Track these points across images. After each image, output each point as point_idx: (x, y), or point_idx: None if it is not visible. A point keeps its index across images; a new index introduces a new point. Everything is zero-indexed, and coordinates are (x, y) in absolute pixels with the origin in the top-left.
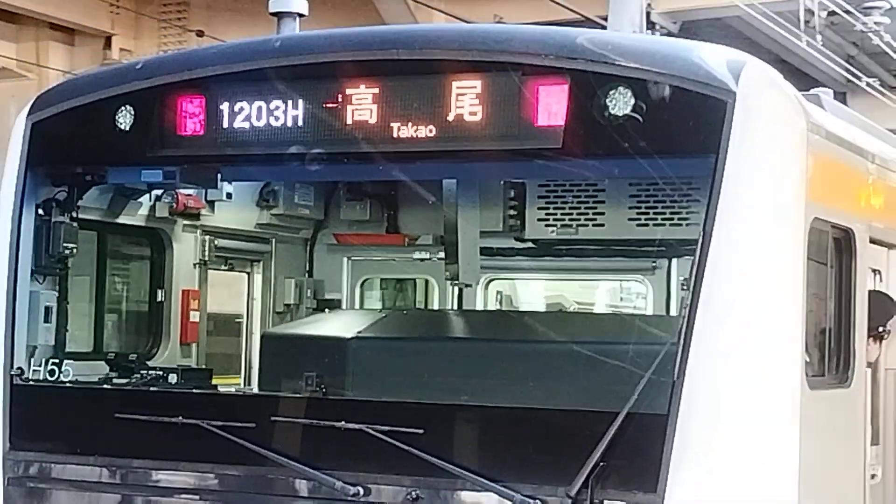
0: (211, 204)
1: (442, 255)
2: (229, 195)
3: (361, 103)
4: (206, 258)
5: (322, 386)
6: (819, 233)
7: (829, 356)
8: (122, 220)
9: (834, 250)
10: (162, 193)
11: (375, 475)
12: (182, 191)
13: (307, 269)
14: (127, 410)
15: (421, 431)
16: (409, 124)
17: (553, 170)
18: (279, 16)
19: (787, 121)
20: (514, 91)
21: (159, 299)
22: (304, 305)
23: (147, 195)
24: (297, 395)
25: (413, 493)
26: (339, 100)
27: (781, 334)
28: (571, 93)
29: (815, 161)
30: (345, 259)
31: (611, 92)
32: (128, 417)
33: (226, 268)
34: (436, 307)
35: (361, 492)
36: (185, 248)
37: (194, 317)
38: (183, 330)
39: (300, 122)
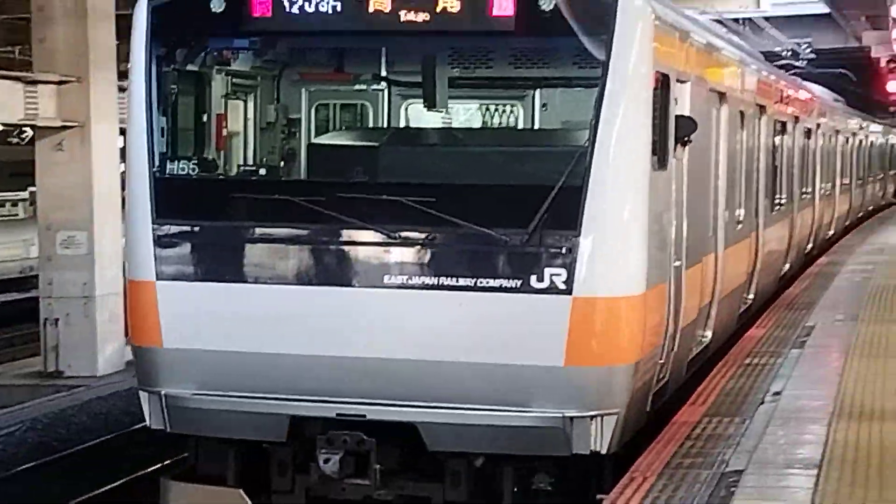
0: (233, 54)
1: (376, 86)
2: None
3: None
4: (228, 92)
5: (364, 174)
6: (654, 77)
7: (659, 153)
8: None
9: (661, 87)
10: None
11: (406, 226)
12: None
13: (276, 96)
14: (236, 189)
15: (433, 199)
16: (410, 12)
17: (502, 42)
18: None
19: (645, 15)
20: None
21: (204, 120)
22: (279, 122)
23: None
24: (351, 182)
25: (430, 236)
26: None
27: (643, 137)
28: None
29: (656, 36)
30: (303, 89)
31: None
32: (240, 195)
33: (234, 98)
34: (370, 125)
35: (399, 237)
36: (217, 85)
37: (224, 132)
38: (217, 140)
39: (329, 9)
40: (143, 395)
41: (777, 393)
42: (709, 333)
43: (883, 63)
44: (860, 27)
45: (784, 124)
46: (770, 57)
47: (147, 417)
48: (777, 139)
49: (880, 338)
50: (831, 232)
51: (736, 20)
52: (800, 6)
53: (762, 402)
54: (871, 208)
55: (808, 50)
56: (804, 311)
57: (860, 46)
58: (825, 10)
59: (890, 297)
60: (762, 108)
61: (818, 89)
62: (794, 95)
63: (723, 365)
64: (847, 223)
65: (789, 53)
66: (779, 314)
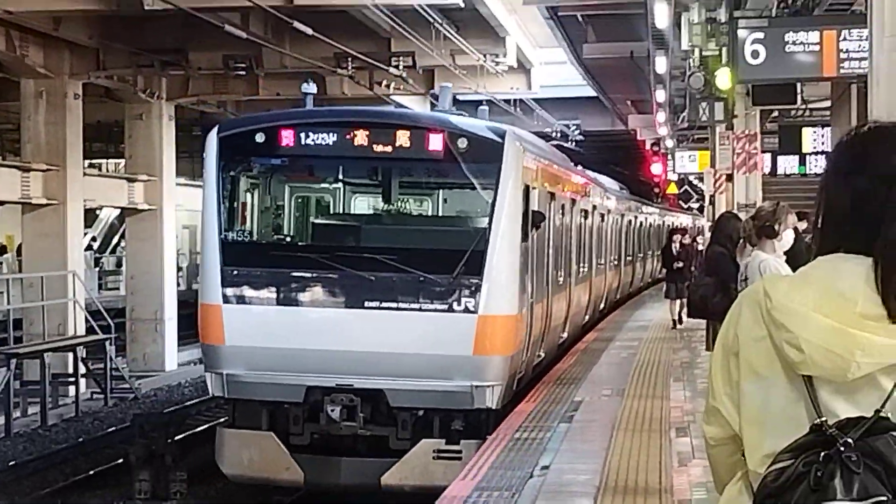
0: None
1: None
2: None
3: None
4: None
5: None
6: (523, 190)
7: (523, 233)
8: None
9: (525, 193)
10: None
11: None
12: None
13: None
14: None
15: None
16: (377, 146)
17: (433, 169)
18: (306, 95)
19: (514, 150)
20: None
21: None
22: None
23: None
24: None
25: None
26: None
27: (515, 224)
28: (445, 137)
29: (523, 163)
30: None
31: (460, 138)
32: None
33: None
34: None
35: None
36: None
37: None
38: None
39: (327, 143)
40: (209, 375)
41: (545, 467)
42: (542, 353)
43: (647, 146)
44: (626, 111)
45: (579, 209)
46: (542, 136)
47: (211, 389)
48: (567, 221)
49: (644, 413)
50: (602, 306)
51: (508, 101)
52: (568, 88)
53: (531, 476)
54: (643, 284)
55: (577, 132)
56: (572, 385)
57: (627, 129)
58: (592, 93)
59: (653, 373)
60: (573, 201)
61: (605, 180)
62: (590, 188)
63: (493, 439)
64: (619, 297)
65: (559, 135)
66: (548, 389)
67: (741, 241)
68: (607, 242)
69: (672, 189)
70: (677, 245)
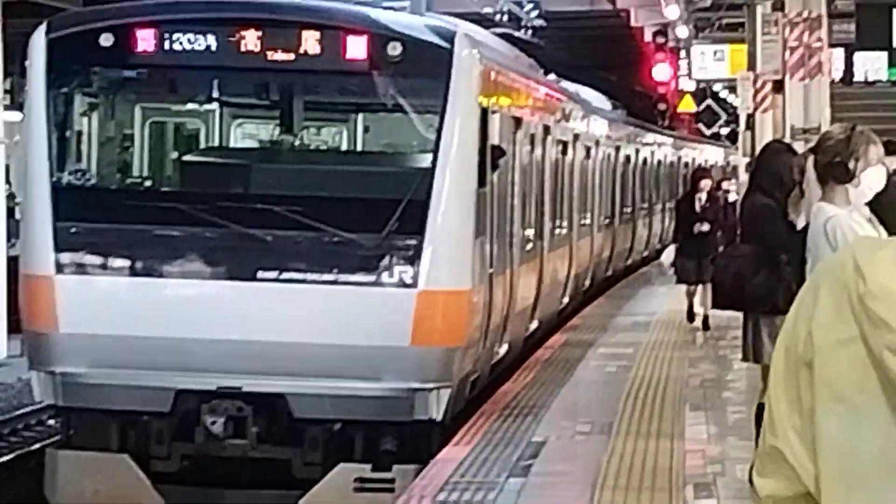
0: None
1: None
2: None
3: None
4: None
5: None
6: (479, 115)
7: (479, 176)
8: None
9: (480, 121)
10: None
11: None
12: None
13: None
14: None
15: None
16: (273, 53)
17: (354, 86)
18: None
19: (467, 60)
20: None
21: None
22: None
23: None
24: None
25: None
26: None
27: (469, 163)
28: (370, 41)
29: (480, 78)
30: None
31: (392, 43)
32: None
33: None
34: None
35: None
36: None
37: None
38: None
39: (202, 48)
40: (35, 374)
41: None
42: (504, 347)
43: (648, 37)
44: None
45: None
46: (480, 22)
47: (37, 393)
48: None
49: (643, 460)
50: (587, 283)
51: None
52: None
53: None
54: (647, 253)
55: (535, 13)
56: (529, 416)
57: (614, 10)
58: None
59: (657, 398)
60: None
61: (591, 94)
62: (570, 108)
63: None
64: (611, 271)
65: (505, 17)
66: (490, 423)
67: (797, 186)
68: (595, 190)
69: (686, 105)
70: (703, 197)
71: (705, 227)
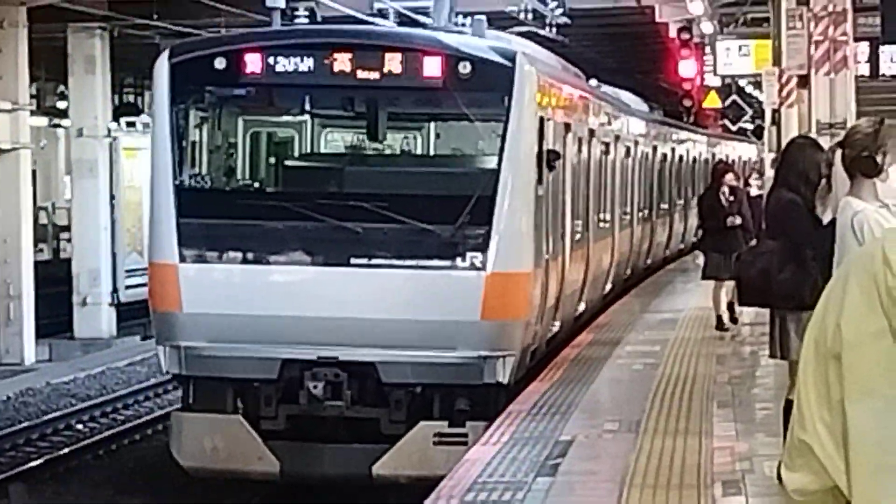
0: None
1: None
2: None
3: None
4: None
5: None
6: (538, 122)
7: (538, 174)
8: None
9: (538, 128)
10: None
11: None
12: None
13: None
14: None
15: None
16: (362, 72)
17: (429, 100)
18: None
19: (527, 76)
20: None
21: None
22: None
23: None
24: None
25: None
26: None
27: (530, 164)
28: (443, 62)
29: (537, 91)
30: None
31: (462, 62)
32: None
33: None
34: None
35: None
36: None
37: None
38: None
39: (302, 69)
40: (162, 348)
41: None
42: (558, 324)
43: (672, 33)
44: None
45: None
46: (502, 22)
47: (164, 365)
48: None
49: (671, 458)
50: (627, 272)
51: None
52: None
53: None
54: (683, 245)
55: (560, 11)
56: (557, 415)
57: (639, 6)
58: None
59: (685, 396)
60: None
61: (628, 97)
62: (611, 112)
63: None
64: (650, 262)
65: (530, 16)
66: (518, 422)
67: (823, 181)
68: (635, 187)
69: (712, 101)
70: (726, 191)
71: (738, 220)
